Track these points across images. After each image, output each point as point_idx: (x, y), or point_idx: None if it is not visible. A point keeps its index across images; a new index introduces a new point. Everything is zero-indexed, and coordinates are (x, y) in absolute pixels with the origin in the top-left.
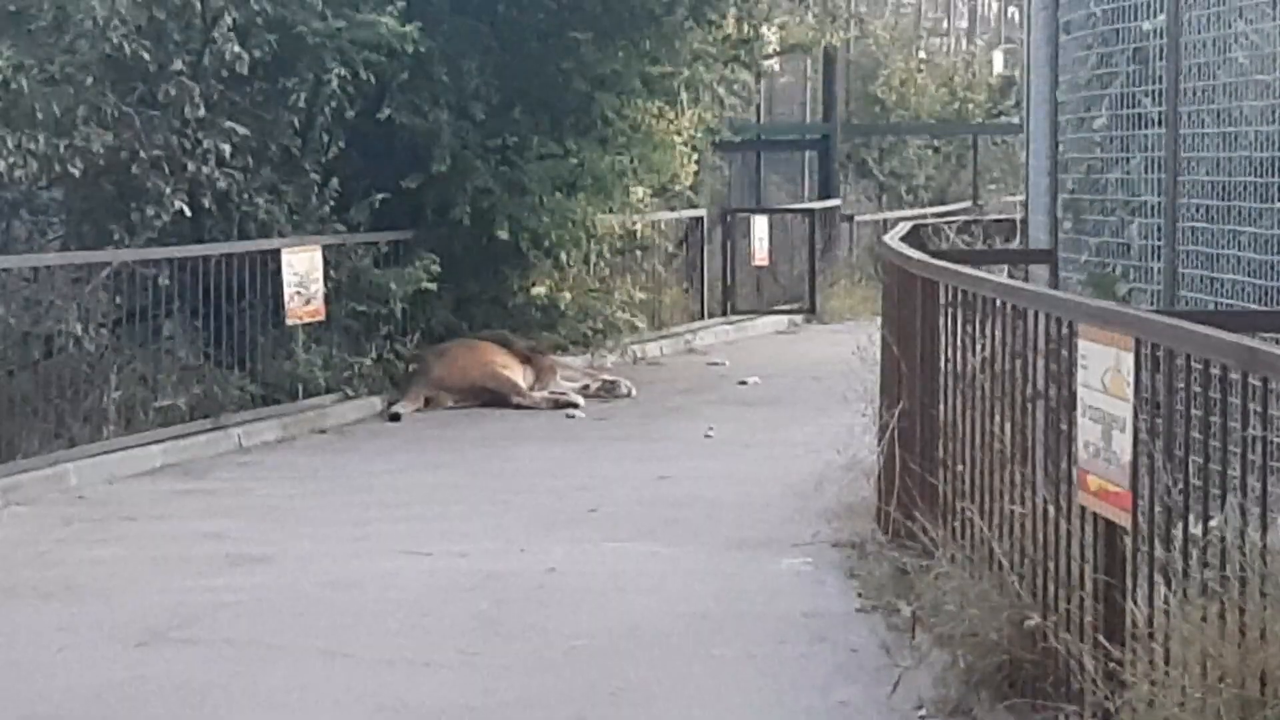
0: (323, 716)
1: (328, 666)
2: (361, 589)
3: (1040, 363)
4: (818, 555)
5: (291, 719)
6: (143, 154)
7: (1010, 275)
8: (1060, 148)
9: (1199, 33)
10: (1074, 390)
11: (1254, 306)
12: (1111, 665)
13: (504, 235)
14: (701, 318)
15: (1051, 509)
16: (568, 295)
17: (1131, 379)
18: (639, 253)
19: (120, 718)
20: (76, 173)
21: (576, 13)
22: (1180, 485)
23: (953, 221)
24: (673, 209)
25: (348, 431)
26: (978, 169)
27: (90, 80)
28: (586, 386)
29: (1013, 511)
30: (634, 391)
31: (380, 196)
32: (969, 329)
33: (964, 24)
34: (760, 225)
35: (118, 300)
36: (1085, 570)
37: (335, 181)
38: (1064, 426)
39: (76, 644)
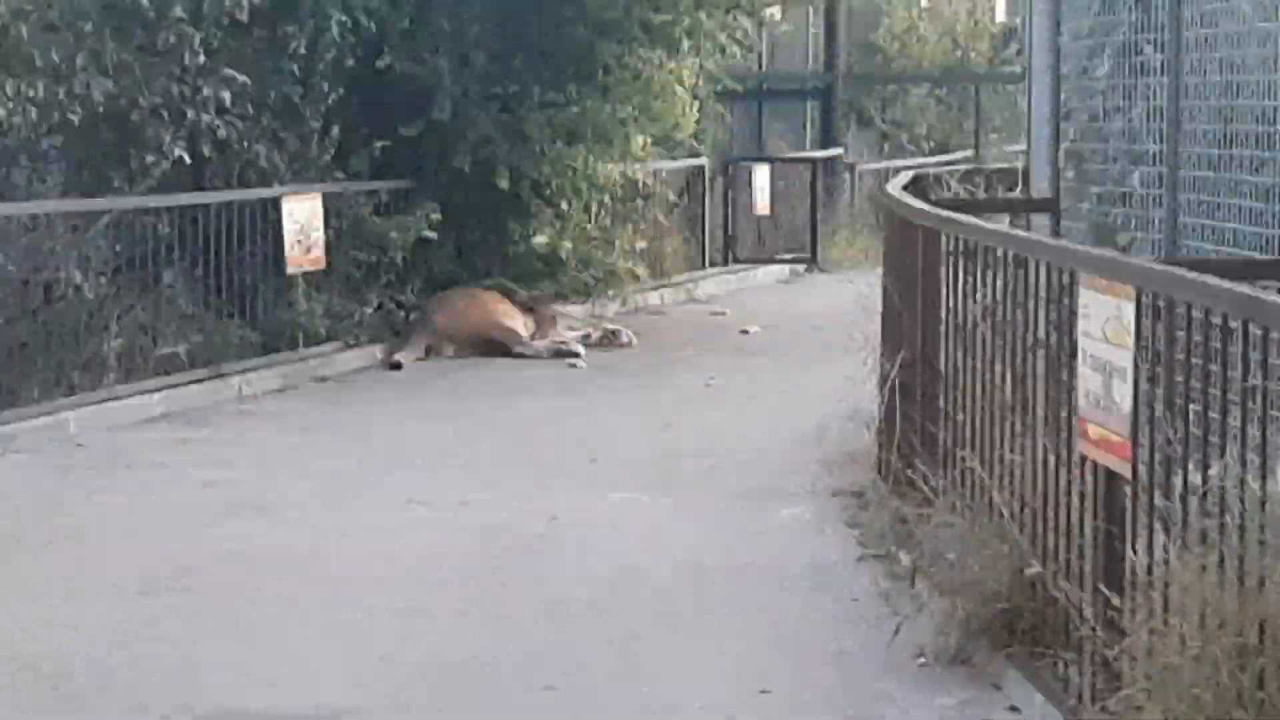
0: (323, 666)
1: (328, 617)
2: (361, 539)
3: (1041, 312)
4: (818, 505)
5: (291, 669)
6: (142, 101)
7: (1012, 224)
8: (1062, 97)
9: None
10: (1075, 339)
11: (1255, 255)
12: (1111, 613)
13: (505, 184)
14: (703, 267)
15: (1052, 458)
16: (569, 244)
17: (1132, 328)
18: (640, 202)
19: (121, 666)
20: (76, 120)
21: None
22: (1180, 434)
23: (955, 170)
24: (674, 158)
25: (348, 380)
26: (980, 118)
27: (89, 27)
28: (588, 336)
29: (1013, 460)
30: (635, 341)
31: (381, 145)
32: (970, 278)
33: None
34: (762, 174)
35: (117, 248)
36: (1085, 519)
37: (336, 130)
38: (1065, 376)
39: (77, 592)
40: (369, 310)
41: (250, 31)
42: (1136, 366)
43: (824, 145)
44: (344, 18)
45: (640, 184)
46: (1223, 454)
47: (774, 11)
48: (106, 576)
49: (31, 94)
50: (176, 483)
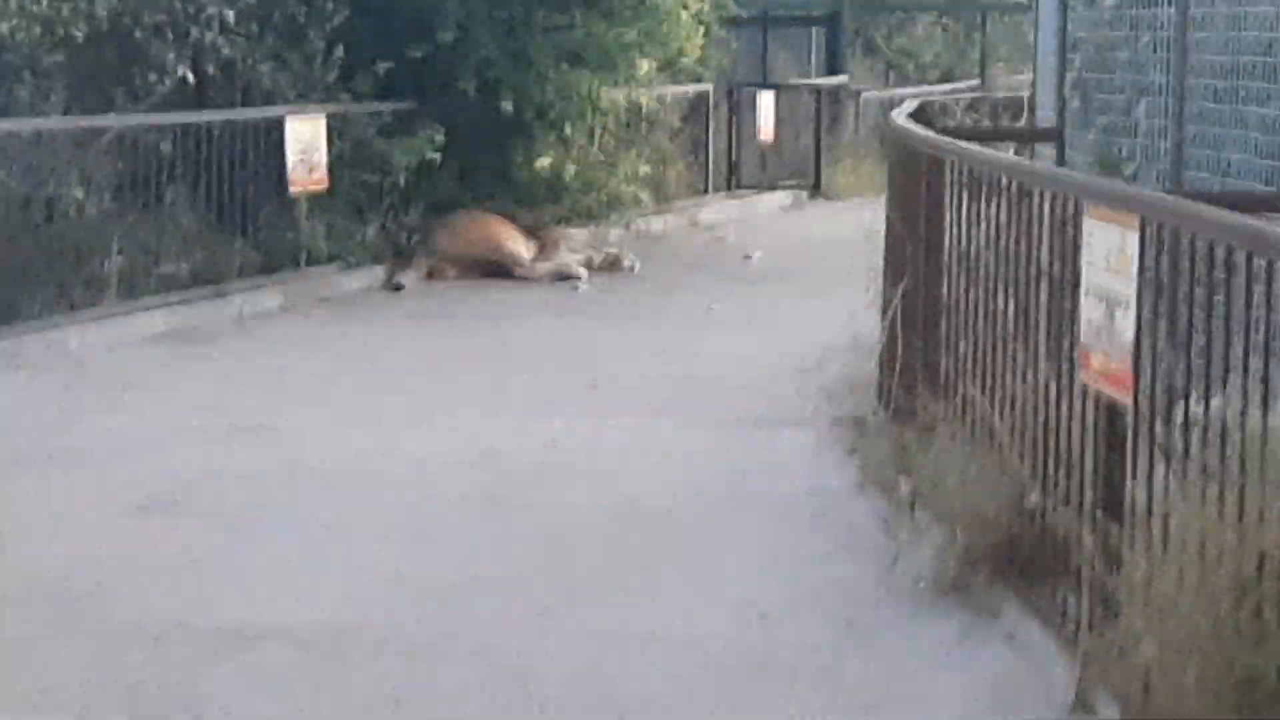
0: (321, 587)
1: (327, 539)
2: (362, 462)
3: (1045, 241)
4: (819, 432)
5: (290, 589)
6: (146, 19)
7: (1017, 154)
8: (1069, 26)
9: None
10: (1078, 269)
11: (1260, 188)
12: (1110, 543)
13: (509, 107)
14: (706, 193)
15: (1053, 388)
16: (572, 168)
17: (1136, 259)
18: (644, 127)
19: (121, 585)
20: (79, 36)
21: None
22: (1182, 366)
23: (960, 99)
24: (679, 83)
25: (350, 301)
26: (986, 47)
27: None
28: (590, 260)
29: (1014, 390)
30: (637, 266)
31: (385, 66)
32: (974, 207)
33: None
34: (766, 101)
35: (120, 166)
36: (1086, 449)
37: (340, 50)
38: (1067, 306)
39: (77, 512)
40: (371, 231)
41: None
42: (1139, 297)
43: (829, 72)
44: None
45: (644, 109)
46: (1224, 386)
47: None
48: (106, 496)
49: (35, 10)
50: (177, 402)
